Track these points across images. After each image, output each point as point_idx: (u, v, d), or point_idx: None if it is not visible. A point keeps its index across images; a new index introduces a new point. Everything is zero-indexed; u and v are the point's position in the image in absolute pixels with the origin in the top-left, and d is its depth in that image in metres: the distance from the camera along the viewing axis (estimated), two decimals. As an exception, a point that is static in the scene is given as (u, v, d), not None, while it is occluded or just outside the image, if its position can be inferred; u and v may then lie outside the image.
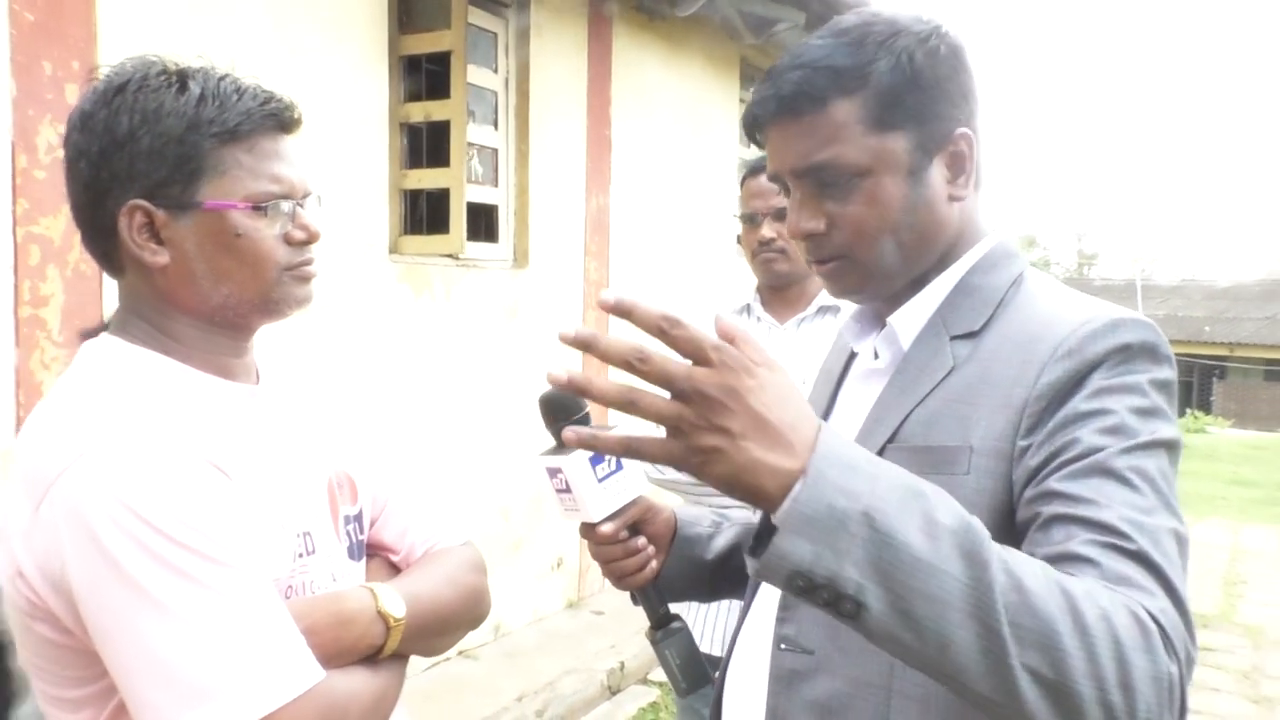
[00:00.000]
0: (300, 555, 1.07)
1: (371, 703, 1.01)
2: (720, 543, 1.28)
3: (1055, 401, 0.92)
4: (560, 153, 4.72)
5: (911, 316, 1.07)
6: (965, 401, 0.98)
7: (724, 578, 1.26)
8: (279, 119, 1.07)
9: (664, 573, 1.23)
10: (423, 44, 3.99)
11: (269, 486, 1.05)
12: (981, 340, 1.02)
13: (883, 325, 1.11)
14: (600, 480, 1.10)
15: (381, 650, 1.06)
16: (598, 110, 5.01)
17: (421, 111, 3.99)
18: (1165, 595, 0.79)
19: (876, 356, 1.12)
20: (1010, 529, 0.92)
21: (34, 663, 0.99)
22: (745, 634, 1.17)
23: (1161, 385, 0.93)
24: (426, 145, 4.21)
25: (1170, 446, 0.91)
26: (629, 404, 0.74)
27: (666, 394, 0.74)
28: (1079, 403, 0.91)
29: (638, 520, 1.18)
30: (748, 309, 2.28)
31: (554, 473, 1.11)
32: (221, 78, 1.05)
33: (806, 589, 0.76)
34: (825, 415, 1.18)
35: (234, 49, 3.31)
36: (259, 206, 1.04)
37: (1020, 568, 0.76)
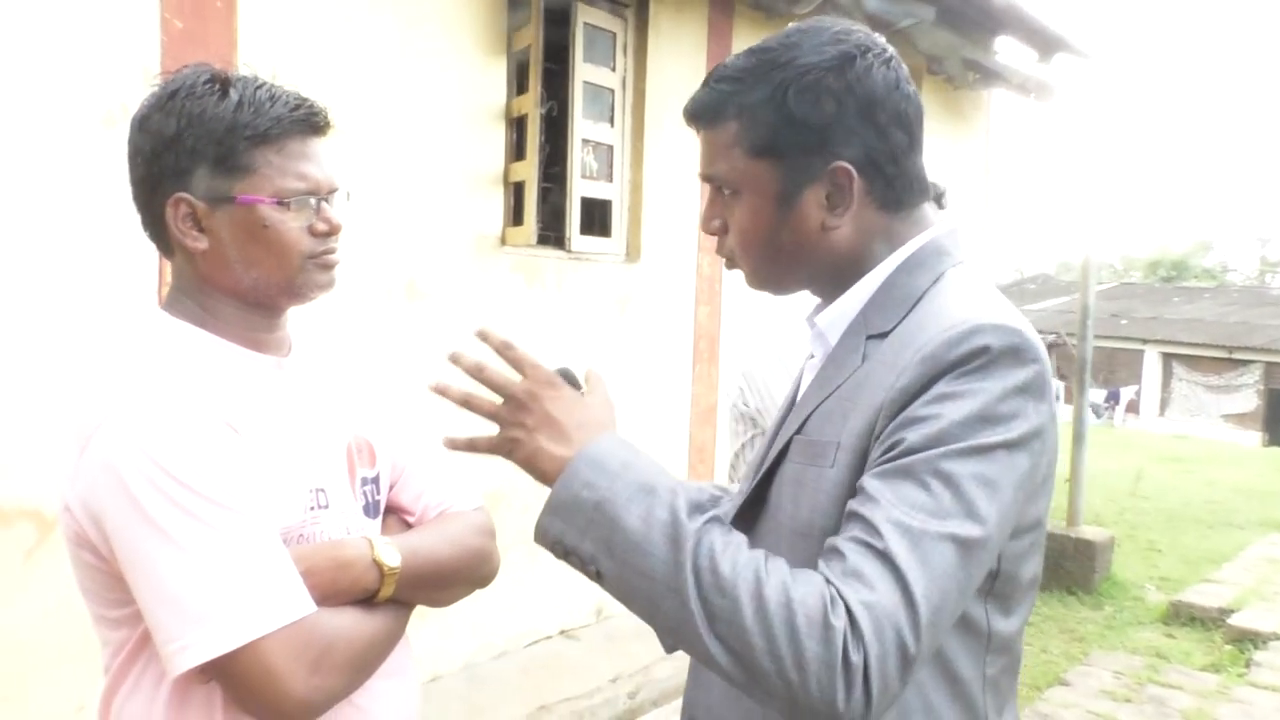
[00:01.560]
0: (312, 508, 1.20)
1: (360, 639, 1.13)
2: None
3: (902, 405, 0.95)
4: (675, 150, 4.81)
5: (835, 316, 1.12)
6: (849, 399, 1.03)
7: None
8: (307, 123, 1.20)
9: None
10: (522, 39, 4.14)
11: (283, 445, 1.19)
12: (886, 339, 1.05)
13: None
14: None
15: (376, 596, 1.17)
16: (717, 108, 5.05)
17: (517, 107, 4.15)
18: (890, 592, 0.85)
19: (813, 356, 1.18)
20: None
21: (84, 585, 1.16)
22: None
23: (1019, 389, 0.94)
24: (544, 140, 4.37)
25: (1009, 447, 0.93)
26: (465, 401, 1.06)
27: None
28: (917, 407, 0.94)
29: None
30: None
31: None
32: (259, 85, 1.19)
33: (563, 555, 0.99)
34: (790, 404, 1.23)
35: (363, 51, 3.56)
36: (283, 201, 1.17)
37: (723, 555, 0.89)
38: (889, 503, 0.90)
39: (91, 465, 1.07)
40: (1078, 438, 6.68)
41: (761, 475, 1.11)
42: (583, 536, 0.96)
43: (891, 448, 0.94)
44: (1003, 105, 8.96)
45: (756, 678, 0.86)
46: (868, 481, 0.93)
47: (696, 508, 0.93)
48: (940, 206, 2.83)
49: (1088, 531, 6.54)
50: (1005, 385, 0.94)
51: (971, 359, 0.94)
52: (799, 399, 1.15)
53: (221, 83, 1.18)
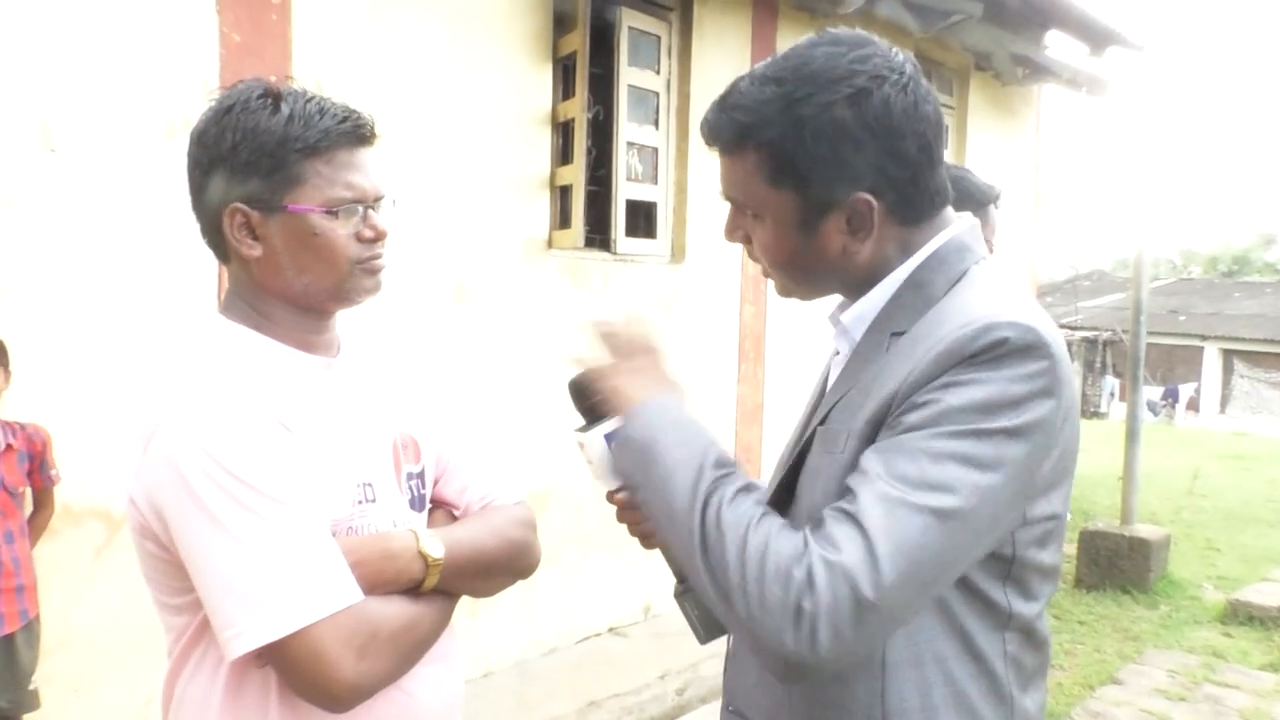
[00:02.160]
0: (360, 502, 1.26)
1: (403, 627, 1.18)
2: None
3: (911, 393, 0.99)
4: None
5: (859, 314, 1.15)
6: (867, 392, 1.06)
7: None
8: (353, 135, 1.25)
9: None
10: (567, 45, 4.19)
11: (332, 442, 1.25)
12: (908, 334, 1.07)
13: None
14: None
15: (421, 585, 1.23)
16: (761, 108, 5.07)
17: (563, 112, 4.21)
18: (854, 552, 0.92)
19: (838, 353, 1.21)
20: None
21: (147, 574, 1.23)
22: None
23: (1028, 381, 0.97)
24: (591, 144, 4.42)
25: (1008, 434, 0.96)
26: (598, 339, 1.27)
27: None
28: (923, 393, 0.98)
29: None
30: None
31: (580, 447, 1.27)
32: (309, 99, 1.24)
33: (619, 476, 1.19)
34: (819, 399, 1.26)
35: (412, 60, 3.64)
36: (331, 210, 1.23)
37: (729, 501, 1.01)
38: (875, 475, 0.96)
39: (154, 461, 1.13)
40: (1131, 435, 6.57)
41: (789, 467, 1.15)
42: (632, 464, 1.13)
43: (892, 428, 0.99)
44: (1054, 100, 8.84)
45: (731, 608, 0.97)
46: (864, 456, 1.00)
47: (722, 464, 1.07)
48: (995, 208, 2.84)
49: (1142, 530, 6.44)
50: (1013, 376, 0.97)
51: (985, 352, 0.97)
52: (826, 392, 1.19)
53: (274, 97, 1.23)
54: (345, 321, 1.37)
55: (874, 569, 0.91)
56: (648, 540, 1.34)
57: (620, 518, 1.33)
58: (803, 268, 1.14)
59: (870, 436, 1.02)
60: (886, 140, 1.05)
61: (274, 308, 1.27)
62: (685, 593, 1.32)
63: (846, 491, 0.98)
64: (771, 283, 1.22)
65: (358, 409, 1.32)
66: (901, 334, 1.08)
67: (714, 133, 1.13)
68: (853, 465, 1.02)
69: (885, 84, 1.04)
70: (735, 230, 1.18)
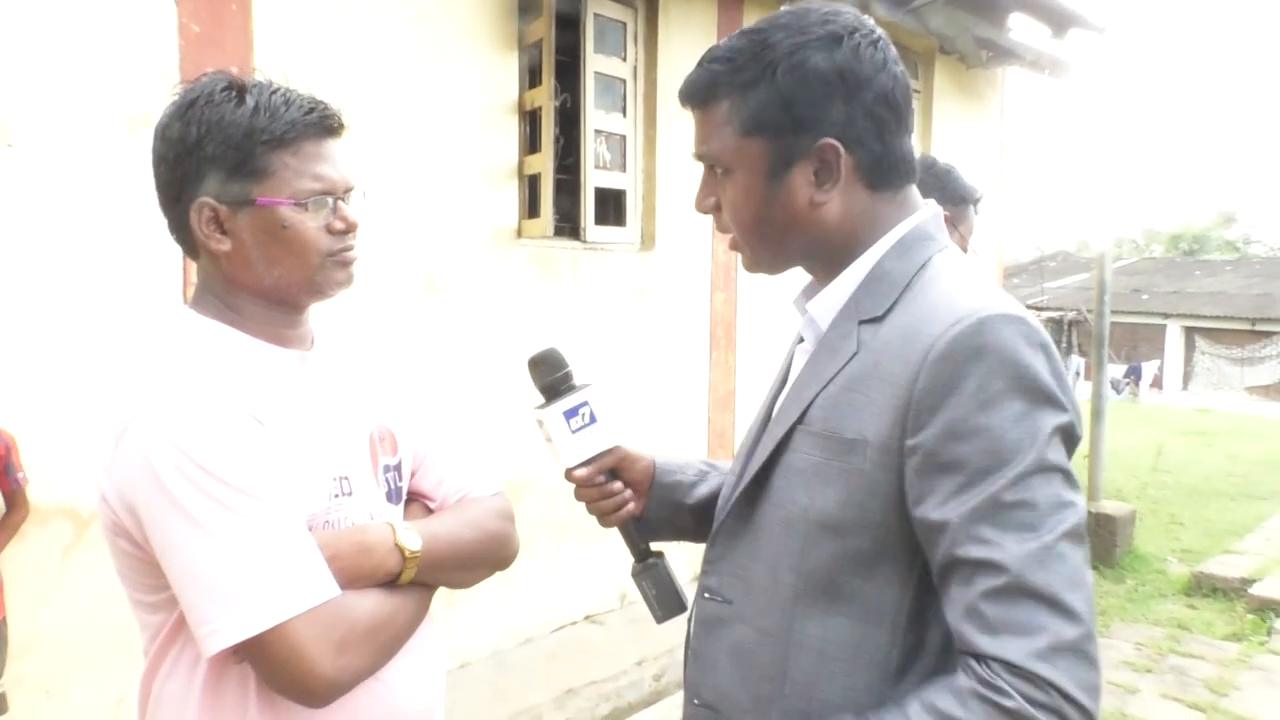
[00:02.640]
0: (336, 495, 1.25)
1: (381, 621, 1.18)
2: (703, 490, 1.40)
3: (934, 406, 0.98)
4: (688, 137, 4.82)
5: (827, 301, 1.15)
6: (858, 390, 1.06)
7: (705, 521, 1.37)
8: (321, 126, 1.24)
9: (646, 514, 1.37)
10: (533, 32, 4.17)
11: (307, 435, 1.24)
12: (882, 326, 1.08)
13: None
14: (574, 432, 1.29)
15: (399, 578, 1.23)
16: (728, 94, 5.07)
17: (530, 100, 4.20)
18: (1056, 622, 0.92)
19: (802, 339, 1.21)
20: (902, 513, 1.03)
21: (121, 572, 1.22)
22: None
23: (1040, 371, 0.98)
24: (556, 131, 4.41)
25: (1060, 430, 0.98)
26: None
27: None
28: (959, 411, 0.97)
29: (615, 466, 1.34)
30: None
31: (540, 424, 1.29)
32: (274, 91, 1.23)
33: None
34: (780, 386, 1.26)
35: (376, 50, 3.60)
36: (300, 202, 1.21)
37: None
38: (995, 541, 0.94)
39: (126, 457, 1.12)
40: (1096, 413, 6.67)
41: (762, 464, 1.14)
42: None
43: (953, 466, 0.97)
44: (1017, 83, 8.89)
45: None
46: (957, 518, 0.97)
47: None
48: (975, 211, 2.86)
49: (1108, 506, 6.55)
50: (1027, 374, 0.97)
51: (991, 354, 0.97)
52: (791, 385, 1.17)
53: (238, 89, 1.22)
54: (318, 315, 1.37)
55: (1074, 621, 0.92)
56: (605, 518, 1.35)
57: (579, 495, 1.34)
58: (770, 222, 1.13)
59: (895, 449, 1.01)
60: (855, 88, 1.07)
61: (245, 302, 1.26)
62: (643, 571, 1.33)
63: (964, 565, 0.96)
64: (741, 265, 1.21)
65: (333, 402, 1.32)
66: (871, 322, 1.09)
67: (691, 88, 1.14)
68: (886, 480, 1.02)
69: (856, 34, 1.08)
70: (707, 198, 1.18)
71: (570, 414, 1.27)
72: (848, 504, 1.04)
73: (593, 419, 1.30)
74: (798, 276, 1.24)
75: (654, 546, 1.37)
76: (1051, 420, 0.97)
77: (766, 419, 1.23)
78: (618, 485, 1.34)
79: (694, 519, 1.39)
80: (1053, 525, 0.94)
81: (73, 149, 2.88)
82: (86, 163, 2.90)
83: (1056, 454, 0.97)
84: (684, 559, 2.15)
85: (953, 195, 2.72)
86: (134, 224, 2.94)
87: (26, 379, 2.84)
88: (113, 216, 2.95)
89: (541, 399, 1.30)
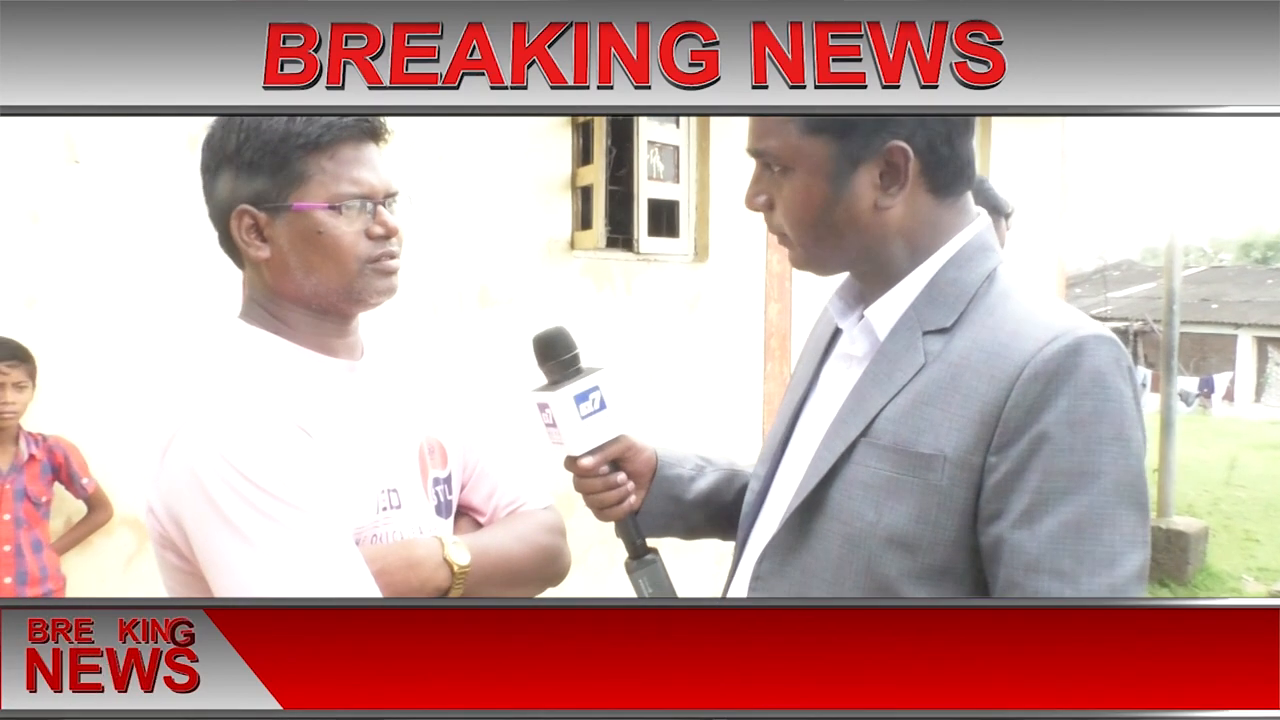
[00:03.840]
0: (384, 509, 1.23)
1: None
2: (701, 485, 1.35)
3: (1023, 424, 0.96)
4: (742, 147, 4.80)
5: (887, 310, 1.10)
6: (934, 405, 1.02)
7: (703, 518, 1.34)
8: (357, 129, 1.21)
9: (644, 509, 1.32)
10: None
11: (354, 448, 1.22)
12: (952, 338, 1.04)
13: (862, 307, 1.15)
14: (583, 418, 1.22)
15: (448, 593, 1.21)
16: (782, 104, 5.04)
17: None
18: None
19: (854, 342, 1.15)
20: (972, 528, 1.00)
21: (169, 587, 1.22)
22: (733, 590, 1.24)
23: (1129, 398, 0.97)
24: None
25: (1139, 460, 0.97)
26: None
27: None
28: (1047, 429, 0.95)
29: (618, 457, 1.28)
30: None
31: (543, 408, 1.23)
32: None
33: None
34: (807, 390, 1.23)
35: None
36: (335, 206, 1.19)
37: None
38: (1070, 574, 0.94)
39: (171, 468, 1.12)
40: (1166, 426, 6.49)
41: (823, 478, 1.09)
42: None
43: (1034, 485, 0.95)
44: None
45: None
46: (1030, 545, 0.95)
47: None
48: (1007, 225, 2.79)
49: (1179, 522, 6.34)
50: (1120, 398, 0.96)
51: (1086, 376, 0.95)
52: (848, 396, 1.12)
53: None
54: (372, 326, 1.36)
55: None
56: (605, 512, 1.30)
57: (580, 486, 1.29)
58: (830, 225, 1.08)
59: (976, 466, 0.99)
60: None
61: (289, 311, 1.25)
62: (639, 568, 1.28)
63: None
64: (790, 262, 1.16)
65: (382, 414, 1.30)
66: (936, 334, 1.05)
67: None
68: (963, 496, 1.00)
69: None
70: (758, 195, 1.13)
71: (581, 399, 1.21)
72: (922, 520, 1.01)
73: (602, 405, 1.23)
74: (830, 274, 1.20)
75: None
76: (1133, 448, 0.95)
77: (791, 427, 1.19)
78: (621, 476, 1.28)
79: (691, 516, 1.35)
80: (1125, 563, 0.93)
81: (135, 165, 2.94)
82: (149, 179, 2.96)
83: (1140, 483, 0.95)
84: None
85: (984, 207, 2.66)
86: (195, 238, 2.99)
87: (91, 390, 2.90)
88: (175, 231, 3.00)
89: (545, 381, 1.25)
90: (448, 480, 1.37)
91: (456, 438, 1.41)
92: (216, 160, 1.22)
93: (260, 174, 1.19)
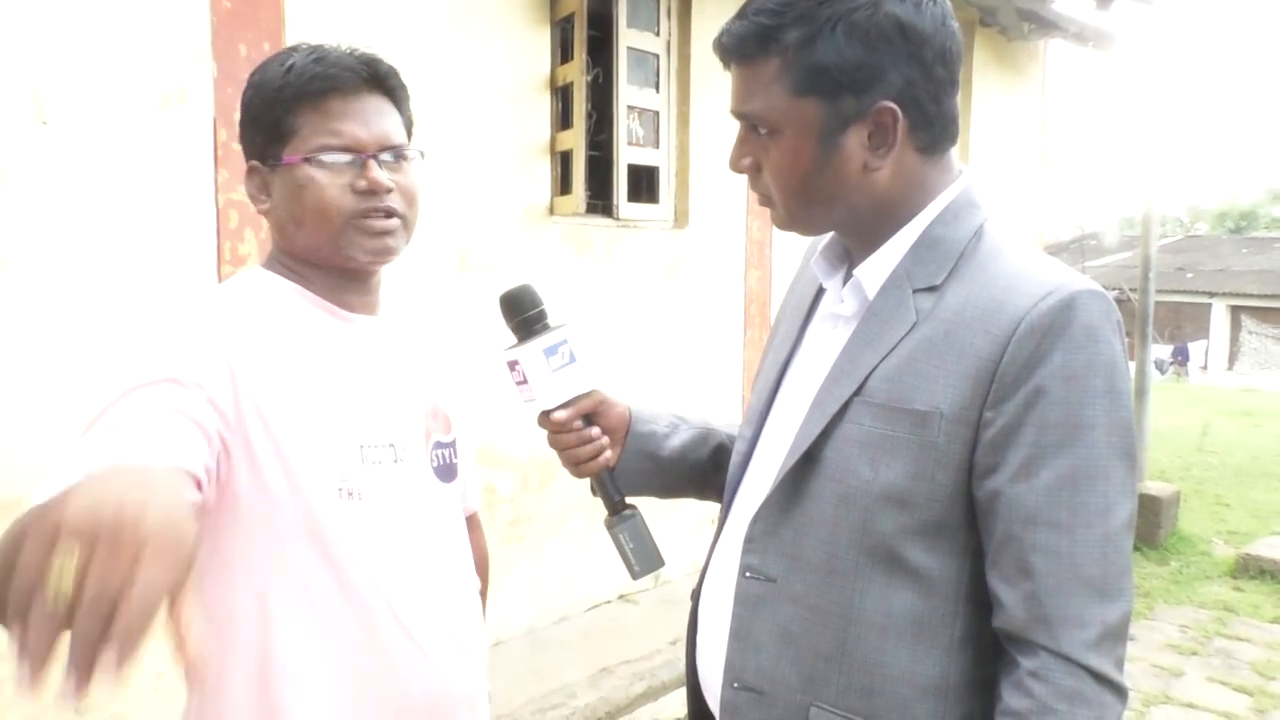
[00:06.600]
0: (378, 463, 1.21)
1: None
2: (675, 442, 1.35)
3: (1019, 378, 0.97)
4: (722, 113, 4.76)
5: (876, 268, 1.10)
6: (928, 361, 1.02)
7: (678, 476, 1.34)
8: (344, 80, 1.19)
9: (619, 466, 1.31)
10: (564, 6, 4.11)
11: (345, 397, 1.21)
12: (943, 295, 1.04)
13: (849, 267, 1.14)
14: (553, 371, 1.22)
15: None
16: (763, 69, 5.00)
17: (562, 75, 4.14)
18: (1105, 609, 0.96)
19: (842, 301, 1.15)
20: (967, 483, 1.02)
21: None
22: (715, 562, 1.24)
23: (1119, 352, 0.99)
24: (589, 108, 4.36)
25: (1128, 412, 0.99)
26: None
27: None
28: (1042, 383, 0.97)
29: (591, 411, 1.28)
30: None
31: (513, 365, 1.23)
32: (316, 50, 1.20)
33: None
34: (791, 351, 1.22)
35: (408, 24, 3.57)
36: (308, 158, 1.18)
37: None
38: (1066, 525, 0.96)
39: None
40: (1140, 393, 6.55)
41: (816, 437, 1.09)
42: None
43: (1029, 438, 0.97)
44: (1060, 56, 8.72)
45: None
46: (1028, 497, 0.98)
47: None
48: None
49: (1152, 487, 6.43)
50: (1111, 353, 0.98)
51: (1079, 331, 0.97)
52: (839, 355, 1.11)
53: (294, 52, 1.21)
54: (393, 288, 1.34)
55: (1119, 604, 0.98)
56: (580, 467, 1.29)
57: (554, 442, 1.28)
58: (818, 187, 1.07)
59: (972, 421, 1.00)
60: (917, 46, 1.01)
61: (298, 263, 1.25)
62: (619, 524, 1.28)
63: (1014, 575, 0.99)
64: (773, 223, 1.15)
65: (389, 371, 1.28)
66: (926, 291, 1.05)
67: (735, 41, 1.06)
68: (964, 451, 1.01)
69: None
70: (742, 157, 1.12)
71: (550, 352, 1.21)
72: (918, 476, 1.01)
73: (572, 358, 1.24)
74: (816, 234, 1.19)
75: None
76: (1124, 400, 0.97)
77: (775, 389, 1.18)
78: (595, 430, 1.28)
79: (666, 473, 1.35)
80: (1118, 512, 0.96)
81: (106, 126, 2.88)
82: (120, 139, 2.90)
83: (1129, 434, 0.97)
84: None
85: None
86: (168, 200, 2.95)
87: (61, 355, 2.86)
88: (146, 193, 2.95)
89: (514, 339, 1.24)
90: (452, 445, 1.36)
91: (461, 413, 1.40)
92: (240, 118, 1.24)
93: (260, 129, 1.20)
